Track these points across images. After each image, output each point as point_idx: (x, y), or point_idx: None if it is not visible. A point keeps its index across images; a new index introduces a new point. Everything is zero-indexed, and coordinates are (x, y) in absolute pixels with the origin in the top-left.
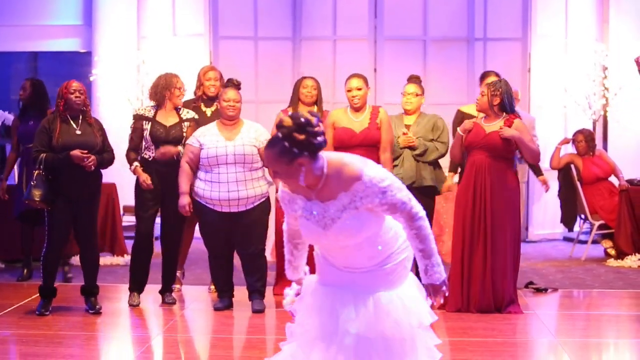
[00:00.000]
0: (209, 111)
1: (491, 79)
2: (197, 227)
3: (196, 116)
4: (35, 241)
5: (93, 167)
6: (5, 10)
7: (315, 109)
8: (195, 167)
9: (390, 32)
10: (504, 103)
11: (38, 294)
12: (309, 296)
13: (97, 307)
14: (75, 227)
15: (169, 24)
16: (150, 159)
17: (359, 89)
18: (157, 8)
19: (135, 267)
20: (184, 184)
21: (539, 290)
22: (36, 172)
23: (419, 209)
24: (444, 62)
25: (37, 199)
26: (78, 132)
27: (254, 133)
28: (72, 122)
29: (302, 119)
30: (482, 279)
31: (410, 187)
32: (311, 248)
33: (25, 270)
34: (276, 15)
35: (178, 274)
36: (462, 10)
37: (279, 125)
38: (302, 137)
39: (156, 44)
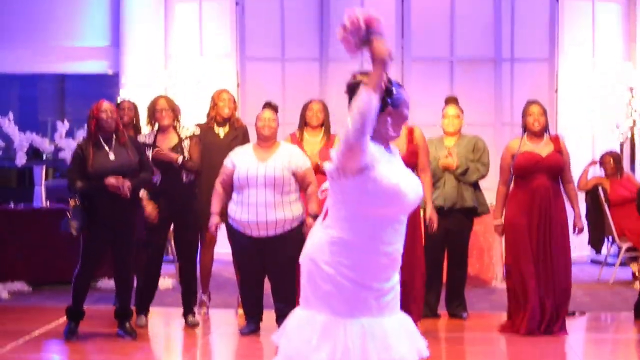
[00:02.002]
0: (222, 132)
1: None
2: (223, 250)
3: (197, 131)
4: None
5: (129, 194)
6: (33, 32)
7: (322, 132)
8: (229, 188)
9: (417, 52)
10: (547, 122)
11: (65, 317)
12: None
13: (133, 333)
14: (112, 249)
15: (196, 44)
16: (156, 183)
17: None
18: (185, 28)
19: (143, 288)
20: (215, 205)
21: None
22: (72, 202)
23: None
24: (471, 83)
25: (75, 232)
26: (111, 155)
27: (288, 157)
28: (104, 145)
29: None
30: (543, 301)
31: (451, 209)
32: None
33: None
34: (303, 36)
35: (204, 297)
36: (489, 31)
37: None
38: None
39: (184, 65)
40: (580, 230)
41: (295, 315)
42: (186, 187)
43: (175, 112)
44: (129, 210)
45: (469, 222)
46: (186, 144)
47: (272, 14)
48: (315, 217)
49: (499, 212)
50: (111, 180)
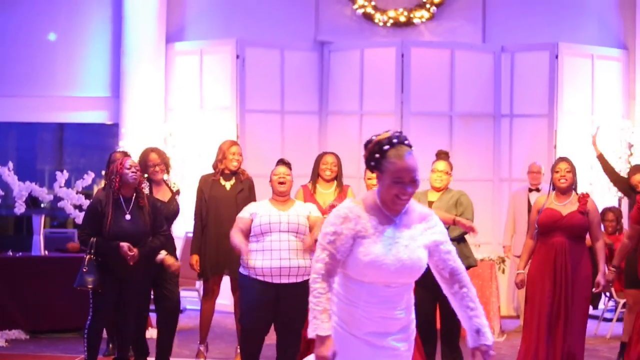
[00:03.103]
0: (228, 185)
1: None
2: (221, 301)
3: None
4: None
5: (132, 263)
6: (33, 82)
7: (335, 184)
8: (245, 237)
9: (416, 107)
10: (576, 181)
11: None
12: None
13: None
14: (118, 300)
15: (196, 96)
16: None
17: None
18: (185, 81)
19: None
20: (239, 238)
21: None
22: (87, 257)
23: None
24: (470, 138)
25: (90, 286)
26: (127, 217)
27: (305, 209)
28: (123, 204)
29: None
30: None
31: None
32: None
33: (110, 345)
34: (303, 89)
35: (202, 347)
36: (488, 86)
37: (395, 137)
38: None
39: (183, 117)
40: (600, 288)
41: None
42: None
43: (167, 165)
44: (140, 268)
45: None
46: (178, 199)
47: (272, 67)
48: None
49: (522, 264)
50: (124, 246)
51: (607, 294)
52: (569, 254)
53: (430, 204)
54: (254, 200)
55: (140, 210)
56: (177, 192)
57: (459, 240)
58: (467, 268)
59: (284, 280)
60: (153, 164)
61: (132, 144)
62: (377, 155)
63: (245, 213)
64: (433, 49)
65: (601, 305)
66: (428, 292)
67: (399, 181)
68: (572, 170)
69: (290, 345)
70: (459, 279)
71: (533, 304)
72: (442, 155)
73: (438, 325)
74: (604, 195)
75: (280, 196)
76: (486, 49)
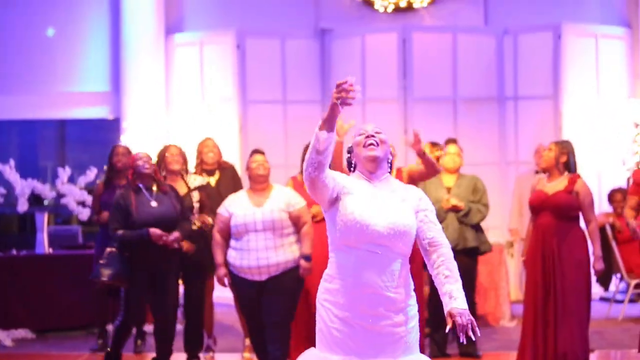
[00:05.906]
0: (212, 180)
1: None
2: (226, 294)
3: (204, 182)
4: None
5: (177, 245)
6: (33, 77)
7: None
8: (227, 236)
9: (420, 92)
10: (570, 162)
11: None
12: None
13: None
14: (153, 297)
15: (197, 88)
16: None
17: None
18: (186, 73)
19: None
20: (218, 256)
21: None
22: (109, 249)
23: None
24: (475, 122)
25: (105, 279)
26: (153, 203)
27: (284, 197)
28: (145, 192)
29: None
30: (555, 342)
31: (454, 250)
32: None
33: (100, 341)
34: (304, 79)
35: (210, 341)
36: (492, 69)
37: None
38: None
39: (185, 109)
40: (598, 272)
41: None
42: (195, 234)
43: (184, 160)
44: (168, 258)
45: (473, 262)
46: (195, 195)
47: (273, 56)
48: (306, 258)
49: (524, 249)
50: (155, 231)
51: (618, 275)
52: (555, 234)
53: (448, 190)
54: (239, 187)
55: (165, 196)
56: (196, 189)
57: (476, 227)
58: (483, 253)
59: (264, 277)
60: (171, 154)
61: (134, 138)
62: (348, 155)
63: (223, 209)
64: (435, 33)
65: (612, 287)
66: None
67: (363, 134)
68: (555, 149)
69: (276, 340)
70: (438, 250)
71: (528, 289)
72: (451, 140)
73: None
74: (613, 175)
75: (259, 183)
76: (488, 32)
